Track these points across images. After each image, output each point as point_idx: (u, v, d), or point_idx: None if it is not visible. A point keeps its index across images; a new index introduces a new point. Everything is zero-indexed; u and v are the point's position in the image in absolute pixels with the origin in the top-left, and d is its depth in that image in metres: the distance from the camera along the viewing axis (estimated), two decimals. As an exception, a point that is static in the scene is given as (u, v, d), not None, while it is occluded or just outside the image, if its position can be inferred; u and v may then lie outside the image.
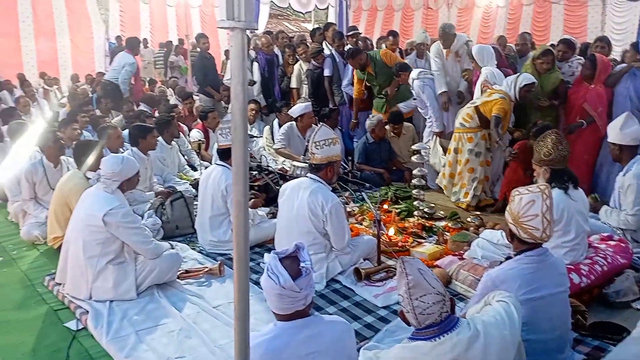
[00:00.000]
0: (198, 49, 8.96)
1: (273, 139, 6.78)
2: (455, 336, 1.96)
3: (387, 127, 6.39)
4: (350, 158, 6.76)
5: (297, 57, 7.83)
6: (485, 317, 2.08)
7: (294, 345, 2.02)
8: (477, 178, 5.17)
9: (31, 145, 5.14)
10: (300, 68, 7.70)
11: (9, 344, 3.05)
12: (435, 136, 6.17)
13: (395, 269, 3.66)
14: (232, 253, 3.18)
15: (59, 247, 3.72)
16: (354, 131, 7.23)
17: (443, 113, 6.16)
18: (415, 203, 5.03)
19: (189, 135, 7.10)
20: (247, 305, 1.70)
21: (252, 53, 8.10)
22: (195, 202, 4.81)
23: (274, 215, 4.50)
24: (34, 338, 3.09)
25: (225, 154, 4.34)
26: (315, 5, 14.50)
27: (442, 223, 4.81)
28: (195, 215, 4.61)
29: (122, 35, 12.80)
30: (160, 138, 5.64)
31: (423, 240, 4.39)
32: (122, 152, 5.13)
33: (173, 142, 6.12)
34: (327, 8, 14.91)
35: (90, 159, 4.22)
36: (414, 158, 5.07)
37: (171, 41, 14.35)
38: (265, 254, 4.08)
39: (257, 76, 7.97)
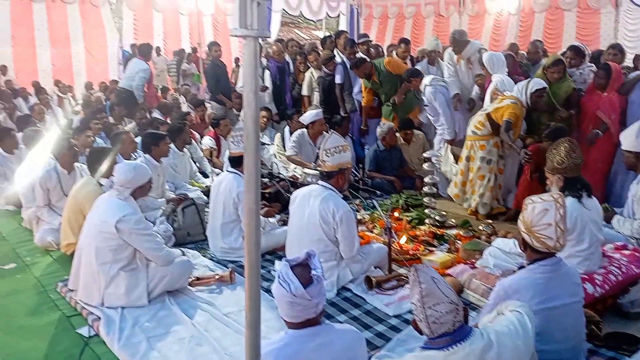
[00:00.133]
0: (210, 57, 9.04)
1: (284, 147, 6.80)
2: (468, 346, 1.94)
3: (397, 134, 6.39)
4: (361, 166, 6.77)
5: (309, 64, 7.86)
6: (499, 327, 2.06)
7: (305, 354, 2.01)
8: (488, 185, 5.13)
9: (46, 153, 5.20)
10: (311, 75, 7.73)
11: (22, 349, 3.07)
12: (446, 144, 6.15)
13: (406, 277, 3.66)
14: (242, 260, 3.19)
15: (72, 254, 3.75)
16: (365, 138, 7.24)
17: (454, 120, 6.15)
18: (426, 211, 5.01)
19: (200, 142, 7.14)
20: (258, 312, 1.70)
21: (264, 61, 8.15)
22: (206, 209, 4.83)
23: (284, 223, 4.51)
24: (46, 344, 3.11)
25: (236, 162, 4.35)
26: (327, 13, 14.56)
27: (454, 231, 4.78)
28: (207, 222, 4.63)
29: (136, 43, 12.94)
30: (172, 145, 5.68)
31: (434, 249, 4.37)
32: (135, 158, 5.19)
33: (185, 149, 6.16)
34: (339, 16, 14.96)
35: (104, 166, 4.27)
36: (425, 166, 5.05)
37: (183, 49, 14.47)
38: (276, 262, 4.09)
39: (268, 84, 8.01)
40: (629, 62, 7.68)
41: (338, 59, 7.38)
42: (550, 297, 2.44)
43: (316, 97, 7.63)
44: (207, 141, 7.03)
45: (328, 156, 3.60)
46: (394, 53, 7.66)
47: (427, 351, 1.99)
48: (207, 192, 5.36)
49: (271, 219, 4.71)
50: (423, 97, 6.37)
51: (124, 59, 12.75)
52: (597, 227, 3.42)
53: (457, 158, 5.73)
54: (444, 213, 5.08)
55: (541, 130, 5.01)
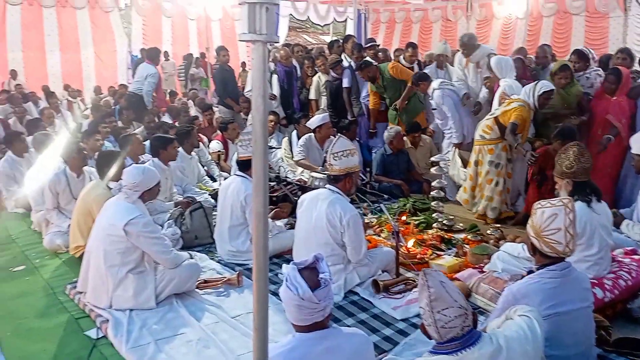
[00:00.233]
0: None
1: (291, 151, 6.81)
2: (477, 351, 1.93)
3: (405, 138, 6.38)
4: (368, 169, 6.76)
5: (316, 68, 7.87)
6: (508, 332, 2.05)
7: (313, 357, 2.01)
8: (496, 189, 5.11)
9: (55, 156, 5.24)
10: (319, 80, 7.74)
11: (31, 351, 3.09)
12: (454, 147, 6.13)
13: (414, 281, 3.65)
14: (250, 263, 3.20)
15: (81, 256, 3.77)
16: (373, 141, 7.24)
17: (463, 124, 6.13)
18: (434, 215, 4.99)
19: (208, 146, 7.16)
20: (266, 315, 1.70)
21: (271, 65, 8.17)
22: (214, 213, 4.84)
23: (292, 226, 4.51)
24: (55, 346, 3.12)
25: (244, 165, 4.36)
26: (334, 18, 14.62)
27: (462, 235, 4.76)
28: (214, 226, 4.64)
29: (145, 48, 13.04)
30: (180, 148, 5.71)
31: (442, 253, 4.35)
32: (143, 161, 5.21)
33: (193, 153, 6.18)
34: (346, 20, 15.02)
35: (112, 170, 4.29)
36: (433, 169, 5.04)
37: (192, 54, 14.56)
38: (284, 265, 4.03)
39: (276, 88, 8.02)
40: (637, 66, 7.63)
41: (345, 63, 7.38)
42: (560, 302, 2.43)
43: (324, 101, 7.64)
44: (215, 145, 7.05)
45: (335, 160, 3.61)
46: (401, 57, 7.66)
47: (436, 356, 1.98)
48: (214, 195, 5.38)
49: (278, 222, 4.72)
50: (431, 101, 6.36)
51: (133, 64, 12.86)
52: (607, 232, 3.40)
53: (465, 162, 5.71)
54: (451, 217, 5.06)
55: (550, 135, 4.98)
